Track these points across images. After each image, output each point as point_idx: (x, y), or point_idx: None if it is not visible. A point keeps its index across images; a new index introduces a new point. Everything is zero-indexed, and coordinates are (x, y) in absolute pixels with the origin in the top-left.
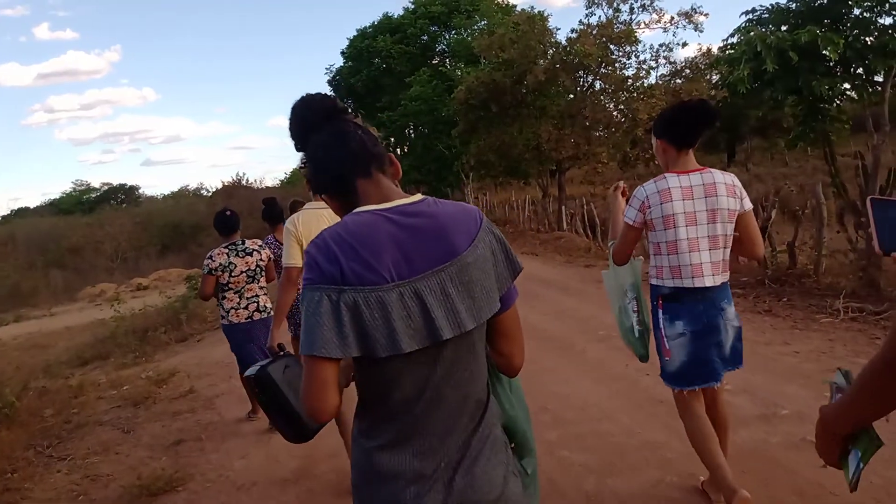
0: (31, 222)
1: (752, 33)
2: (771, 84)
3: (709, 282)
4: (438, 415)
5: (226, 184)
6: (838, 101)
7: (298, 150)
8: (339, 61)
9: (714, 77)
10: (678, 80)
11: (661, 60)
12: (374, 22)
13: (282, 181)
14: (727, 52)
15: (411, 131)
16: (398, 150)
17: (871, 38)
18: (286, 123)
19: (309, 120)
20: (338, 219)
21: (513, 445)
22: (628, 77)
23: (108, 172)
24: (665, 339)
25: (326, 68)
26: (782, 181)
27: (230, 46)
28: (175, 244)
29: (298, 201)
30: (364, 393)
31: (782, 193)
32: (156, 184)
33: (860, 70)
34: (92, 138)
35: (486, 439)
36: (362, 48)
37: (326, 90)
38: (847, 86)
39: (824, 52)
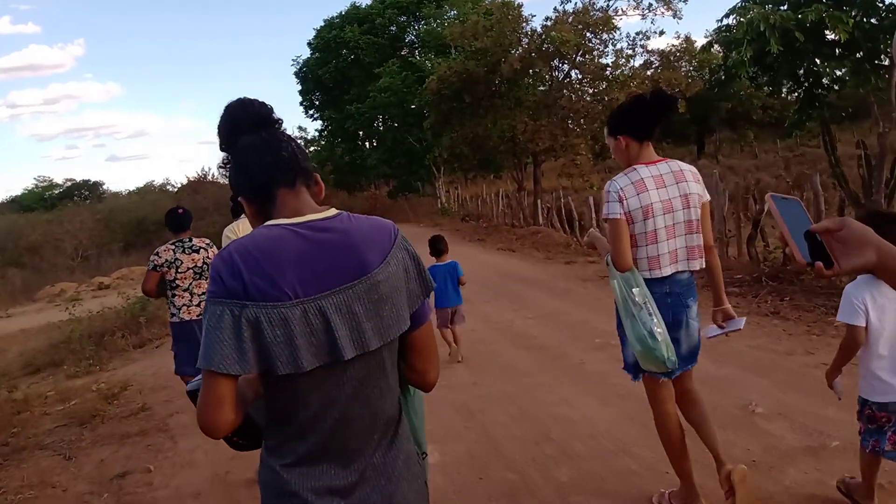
0: None
1: (751, 13)
2: (771, 68)
3: (682, 266)
4: (348, 433)
5: (191, 179)
6: (836, 88)
7: (223, 149)
8: (307, 53)
9: (690, 66)
10: (657, 69)
11: (639, 49)
12: (341, 12)
13: None
14: (721, 34)
15: (380, 124)
16: (367, 143)
17: (876, 20)
18: None
19: (243, 122)
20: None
21: (424, 455)
22: (606, 65)
23: (72, 168)
24: (658, 318)
25: (293, 60)
26: (755, 173)
27: (196, 40)
28: (139, 241)
29: None
30: (271, 411)
31: (765, 185)
32: (121, 179)
33: (861, 53)
34: (55, 134)
35: (399, 456)
36: (330, 39)
37: (294, 82)
38: (844, 70)
39: (832, 32)
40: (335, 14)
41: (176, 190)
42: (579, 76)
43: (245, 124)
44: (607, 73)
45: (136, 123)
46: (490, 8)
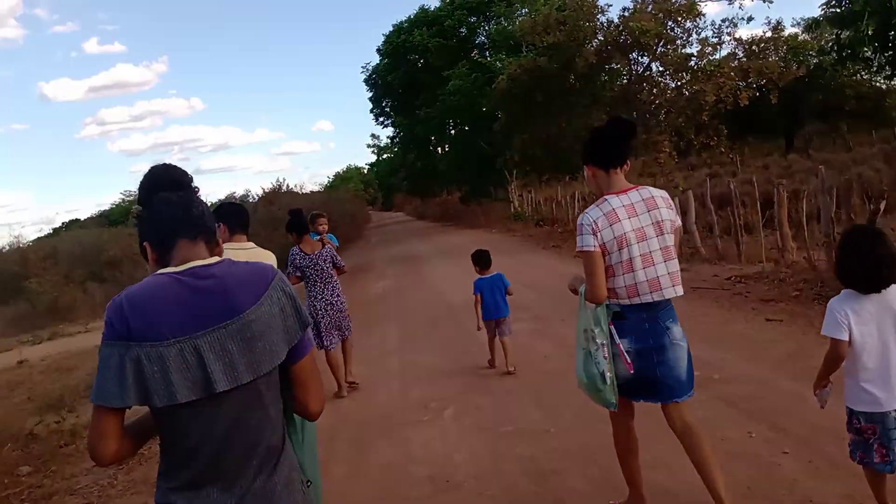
0: (75, 235)
1: None
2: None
3: (668, 294)
4: (227, 460)
5: (266, 190)
6: None
7: (139, 203)
8: (377, 59)
9: (780, 55)
10: (744, 59)
11: (725, 37)
12: (410, 16)
13: (324, 185)
14: (831, 8)
15: (451, 128)
16: (439, 148)
17: None
18: (329, 128)
19: (163, 182)
20: (254, 257)
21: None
22: (690, 56)
23: None
24: (623, 354)
25: (363, 67)
26: (854, 168)
27: (273, 53)
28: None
29: (316, 214)
30: (160, 439)
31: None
32: (206, 192)
33: None
34: (143, 149)
35: (279, 483)
36: (398, 44)
37: (364, 90)
38: None
39: None
40: (404, 19)
41: (255, 201)
42: (660, 68)
43: (165, 184)
44: (691, 63)
45: (219, 137)
46: (563, 0)
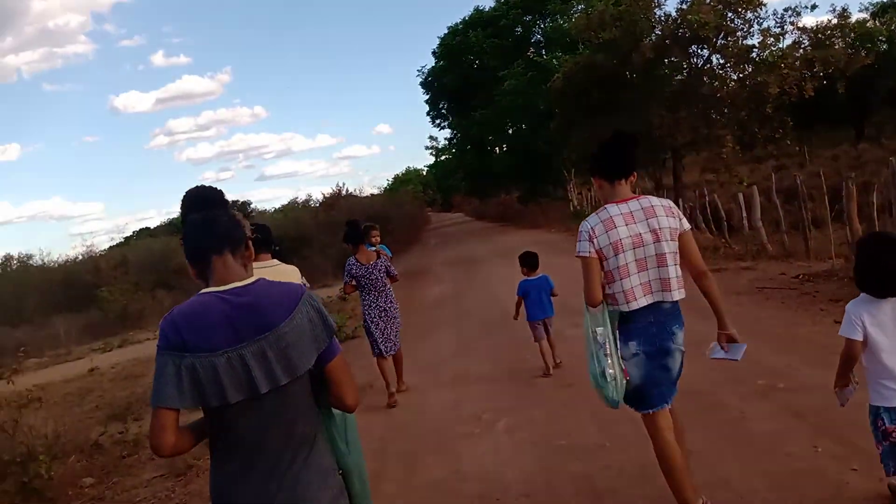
0: (145, 243)
1: None
2: None
3: (657, 297)
4: (268, 449)
5: (326, 195)
6: None
7: (181, 223)
8: (432, 62)
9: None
10: (809, 48)
11: (788, 26)
12: (465, 18)
13: (383, 189)
14: None
15: (508, 128)
16: (497, 148)
17: None
18: (388, 131)
19: (196, 202)
20: (278, 273)
21: (341, 472)
22: (752, 47)
23: (226, 189)
24: (625, 360)
25: (418, 70)
26: None
27: (333, 59)
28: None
29: (369, 226)
30: (212, 433)
31: None
32: (270, 198)
33: None
34: (209, 157)
35: (313, 469)
36: (453, 46)
37: (420, 93)
38: None
39: None
40: (458, 20)
41: (317, 206)
42: (721, 61)
43: (197, 204)
44: (753, 55)
45: (282, 143)
46: None
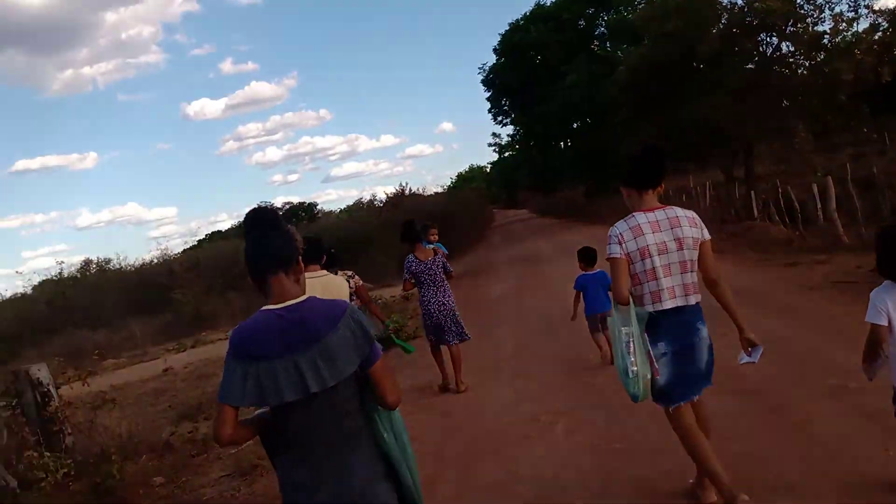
0: (217, 246)
1: None
2: None
3: (681, 301)
4: (320, 441)
5: (389, 195)
6: None
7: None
8: (493, 59)
9: None
10: (887, 32)
11: (863, 10)
12: (526, 13)
13: (446, 187)
14: None
15: (572, 123)
16: (560, 144)
17: None
18: (451, 129)
19: (255, 222)
20: (326, 284)
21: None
22: (824, 33)
23: (293, 192)
24: (654, 358)
25: (479, 67)
26: None
27: (395, 59)
28: (345, 257)
29: (427, 225)
30: (275, 428)
31: None
32: (336, 199)
33: None
34: (277, 161)
35: (362, 457)
36: (514, 42)
37: (482, 90)
38: None
39: None
40: (520, 16)
41: (381, 206)
42: (791, 48)
43: (255, 225)
44: (825, 41)
45: (347, 145)
46: None
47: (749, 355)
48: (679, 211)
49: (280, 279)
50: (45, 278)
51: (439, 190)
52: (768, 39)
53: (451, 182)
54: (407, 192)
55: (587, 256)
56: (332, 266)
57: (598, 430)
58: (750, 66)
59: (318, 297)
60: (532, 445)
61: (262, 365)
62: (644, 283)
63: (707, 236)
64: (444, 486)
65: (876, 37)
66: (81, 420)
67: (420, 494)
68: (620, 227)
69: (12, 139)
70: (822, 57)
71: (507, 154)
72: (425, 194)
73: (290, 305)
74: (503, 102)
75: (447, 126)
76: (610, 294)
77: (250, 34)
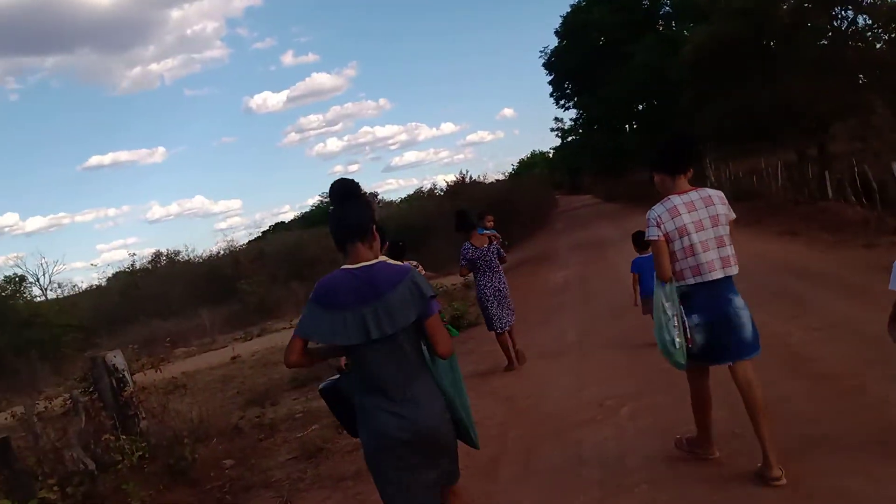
0: (280, 237)
1: None
2: None
3: (719, 274)
4: (388, 376)
5: (450, 183)
6: None
7: (328, 211)
8: (555, 42)
9: None
10: None
11: None
12: None
13: (508, 174)
14: None
15: (638, 105)
16: (625, 127)
17: None
18: (512, 115)
19: (338, 193)
20: None
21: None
22: None
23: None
24: (689, 328)
25: (541, 51)
26: None
27: (454, 46)
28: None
29: (483, 212)
30: (352, 366)
31: None
32: (397, 188)
33: None
34: (337, 151)
35: (423, 392)
36: (577, 24)
37: (544, 74)
38: None
39: None
40: None
41: (441, 194)
42: (868, 21)
43: (339, 196)
44: None
45: (407, 134)
46: None
47: None
48: (710, 191)
49: (356, 246)
50: (118, 270)
51: (500, 177)
52: (843, 13)
53: (513, 168)
54: (467, 179)
55: (639, 240)
56: (400, 257)
57: (665, 414)
58: (823, 41)
59: (346, 274)
60: (596, 429)
61: (335, 311)
62: (682, 259)
63: (733, 215)
64: (507, 468)
65: None
66: (155, 405)
67: (473, 428)
68: (658, 209)
69: (85, 136)
70: None
71: (570, 138)
72: (486, 182)
73: (362, 266)
74: (566, 86)
75: (508, 112)
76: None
77: (310, 25)
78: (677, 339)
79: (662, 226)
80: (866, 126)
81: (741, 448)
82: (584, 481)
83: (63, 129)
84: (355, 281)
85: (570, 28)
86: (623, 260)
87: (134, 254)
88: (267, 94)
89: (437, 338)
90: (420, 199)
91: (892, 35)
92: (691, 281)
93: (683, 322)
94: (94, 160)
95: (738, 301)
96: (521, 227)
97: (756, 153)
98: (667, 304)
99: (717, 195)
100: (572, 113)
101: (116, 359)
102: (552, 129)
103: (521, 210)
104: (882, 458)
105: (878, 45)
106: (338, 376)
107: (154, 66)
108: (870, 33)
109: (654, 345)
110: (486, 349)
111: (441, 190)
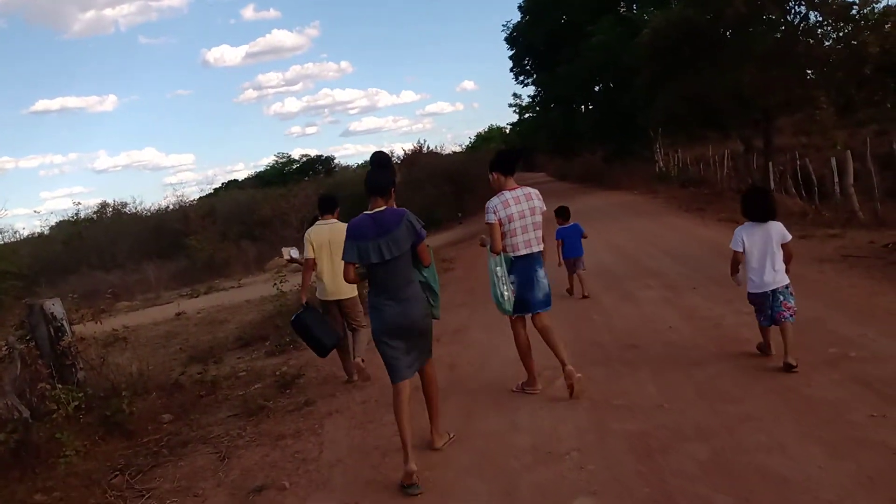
0: (232, 195)
1: None
2: None
3: (527, 251)
4: (391, 284)
5: (407, 152)
6: None
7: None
8: (518, 16)
9: None
10: None
11: None
12: None
13: (465, 147)
14: None
15: (594, 86)
16: (581, 107)
17: None
18: (473, 88)
19: (373, 161)
20: (333, 228)
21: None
22: (852, 4)
23: (311, 144)
24: (509, 286)
25: (503, 25)
26: None
27: (419, 13)
28: (357, 212)
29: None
30: (369, 277)
31: None
32: (354, 153)
33: None
34: (296, 112)
35: (412, 294)
36: (540, 0)
37: (505, 49)
38: None
39: None
40: None
41: (398, 163)
42: (819, 18)
43: (375, 163)
44: (853, 12)
45: (367, 99)
46: None
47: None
48: (529, 189)
49: (376, 199)
50: (62, 219)
51: (457, 149)
52: (796, 8)
53: (470, 142)
54: (424, 150)
55: (563, 213)
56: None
57: (599, 386)
58: (777, 35)
59: (368, 217)
60: (532, 398)
61: (360, 242)
62: (509, 238)
63: (545, 207)
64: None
65: None
66: (93, 357)
67: (438, 309)
68: (495, 201)
69: (32, 78)
70: (849, 28)
71: (527, 115)
72: (443, 153)
73: (376, 212)
74: (526, 62)
75: (469, 84)
76: (627, 260)
77: None
78: (506, 294)
79: (498, 213)
80: (810, 121)
81: (666, 421)
82: (516, 447)
83: (8, 70)
84: (373, 222)
85: (532, 4)
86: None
87: (79, 203)
88: (225, 47)
89: (423, 255)
90: None
91: (841, 33)
92: (513, 254)
93: (510, 282)
94: (41, 104)
95: (541, 271)
96: (477, 200)
97: (705, 141)
98: (498, 270)
99: (534, 192)
100: (531, 90)
101: (55, 307)
102: (510, 105)
103: (476, 184)
104: (799, 437)
105: (826, 43)
106: (302, 310)
107: (109, 11)
108: (820, 30)
109: (593, 321)
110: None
111: (399, 158)
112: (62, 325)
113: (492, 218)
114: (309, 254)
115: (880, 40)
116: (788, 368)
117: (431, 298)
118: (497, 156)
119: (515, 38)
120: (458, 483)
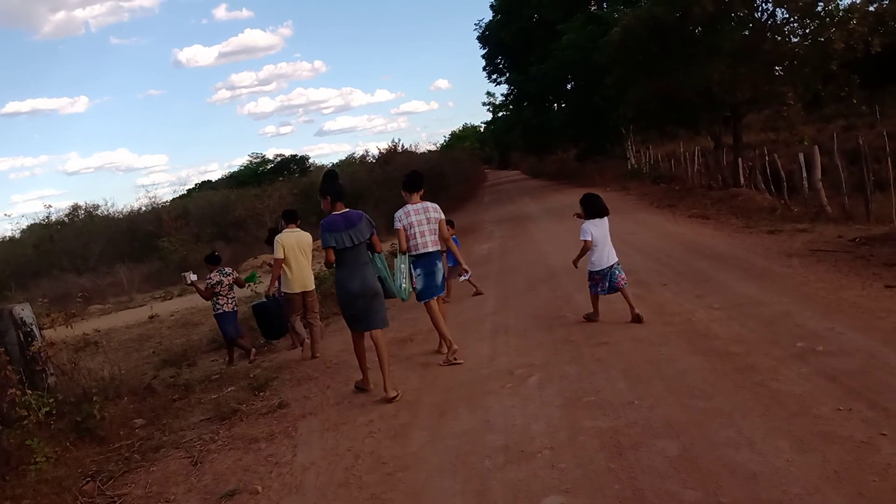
0: (206, 195)
1: None
2: None
3: (428, 249)
4: (354, 265)
5: (382, 151)
6: None
7: (321, 184)
8: (490, 16)
9: None
10: (884, 3)
11: None
12: None
13: (440, 145)
14: None
15: (566, 84)
16: (554, 105)
17: None
18: (447, 87)
19: (327, 176)
20: (298, 235)
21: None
22: (818, 1)
23: (285, 144)
24: (415, 277)
25: (475, 24)
26: None
27: (392, 13)
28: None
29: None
30: (337, 260)
31: None
32: (329, 153)
33: None
34: (269, 112)
35: (369, 271)
36: None
37: (478, 48)
38: None
39: None
40: None
41: (373, 161)
42: (786, 15)
43: (334, 177)
44: (819, 9)
45: (341, 98)
46: None
47: (463, 274)
48: (429, 204)
49: (339, 204)
50: (33, 222)
51: (432, 148)
52: (764, 5)
53: (445, 140)
54: (399, 148)
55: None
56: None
57: (570, 383)
58: (744, 32)
59: (339, 216)
60: (505, 397)
61: (335, 233)
62: (412, 240)
63: (443, 216)
64: (418, 433)
65: (871, 8)
66: (64, 362)
67: (399, 291)
68: (400, 212)
69: (3, 80)
70: (815, 25)
71: (500, 114)
72: (418, 152)
73: (343, 212)
74: (498, 61)
75: (443, 83)
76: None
77: None
78: (404, 286)
79: (402, 221)
80: (778, 117)
81: (637, 418)
82: (489, 447)
83: None
84: (341, 219)
85: (505, 2)
86: (544, 235)
87: (50, 206)
88: (198, 47)
89: (375, 245)
90: (352, 166)
91: (807, 30)
92: (415, 252)
93: (411, 274)
94: (11, 106)
95: (440, 264)
96: (451, 199)
97: (676, 139)
98: (403, 267)
99: (432, 206)
100: (504, 88)
101: (24, 311)
102: (484, 104)
103: (451, 183)
104: (767, 431)
105: (793, 39)
106: (264, 300)
107: (79, 12)
108: (787, 27)
109: (566, 318)
110: (404, 317)
111: (373, 157)
112: (32, 329)
113: (398, 225)
114: (279, 254)
115: (845, 36)
116: (638, 319)
117: (386, 283)
118: (408, 177)
119: (488, 36)
120: (431, 483)
